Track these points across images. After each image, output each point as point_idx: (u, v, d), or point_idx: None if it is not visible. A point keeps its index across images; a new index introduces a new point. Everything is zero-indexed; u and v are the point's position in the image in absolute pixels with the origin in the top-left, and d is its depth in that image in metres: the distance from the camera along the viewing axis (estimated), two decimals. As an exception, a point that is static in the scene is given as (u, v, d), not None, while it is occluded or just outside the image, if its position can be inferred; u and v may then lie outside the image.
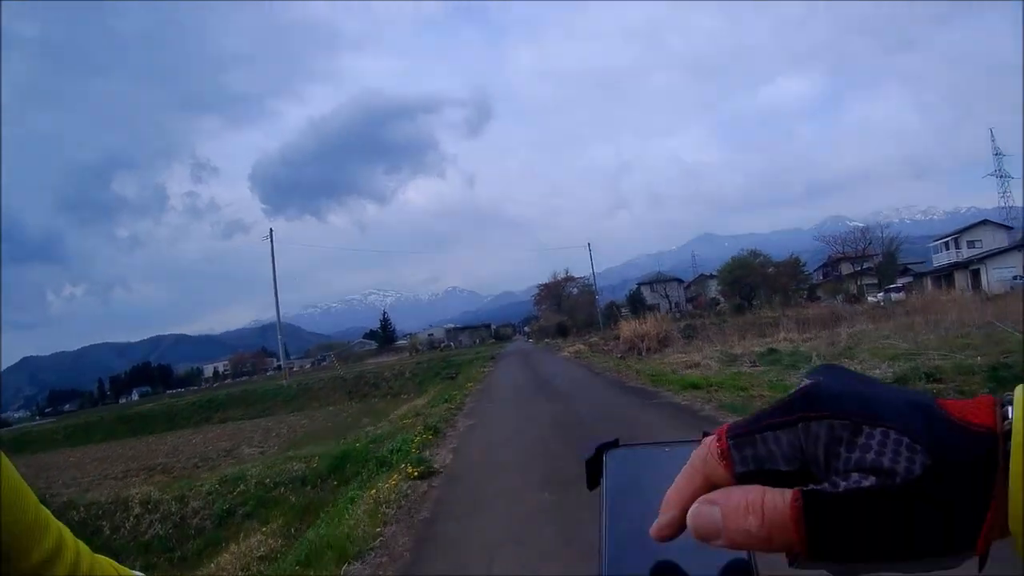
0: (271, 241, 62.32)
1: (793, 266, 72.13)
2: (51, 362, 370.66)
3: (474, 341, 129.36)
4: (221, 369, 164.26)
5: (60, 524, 0.81)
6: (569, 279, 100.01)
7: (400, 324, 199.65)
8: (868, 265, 69.59)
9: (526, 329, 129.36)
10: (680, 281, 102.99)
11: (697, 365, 21.20)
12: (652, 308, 73.35)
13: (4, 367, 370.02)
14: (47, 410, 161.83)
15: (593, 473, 0.59)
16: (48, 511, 0.79)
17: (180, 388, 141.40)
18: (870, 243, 69.51)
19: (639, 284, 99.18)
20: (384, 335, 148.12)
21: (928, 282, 62.39)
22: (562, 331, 78.73)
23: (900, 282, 64.46)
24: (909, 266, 71.87)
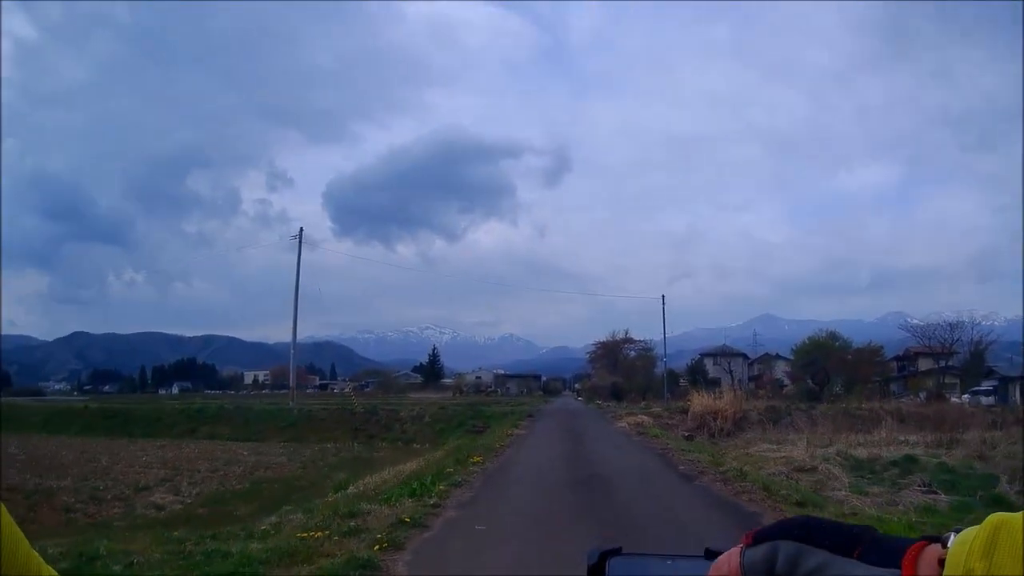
0: (299, 242, 57.51)
1: (873, 354, 66.56)
2: (102, 341, 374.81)
3: (521, 391, 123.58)
4: (261, 378, 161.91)
5: (51, 570, 0.81)
6: (628, 340, 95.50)
7: (452, 363, 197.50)
8: (951, 363, 63.80)
9: (576, 386, 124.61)
10: (745, 357, 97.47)
11: (812, 470, 16.38)
12: (713, 382, 68.77)
13: (55, 338, 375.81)
14: (86, 387, 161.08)
15: None
16: (39, 557, 0.79)
17: (219, 390, 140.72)
18: (958, 339, 63.56)
19: (702, 355, 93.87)
20: (431, 370, 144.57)
21: (1018, 388, 57.72)
22: (616, 393, 73.48)
23: (985, 384, 59.07)
24: (994, 368, 65.61)
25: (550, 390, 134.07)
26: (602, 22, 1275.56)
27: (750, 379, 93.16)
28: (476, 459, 17.29)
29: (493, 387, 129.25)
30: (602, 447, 22.91)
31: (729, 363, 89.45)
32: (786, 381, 79.45)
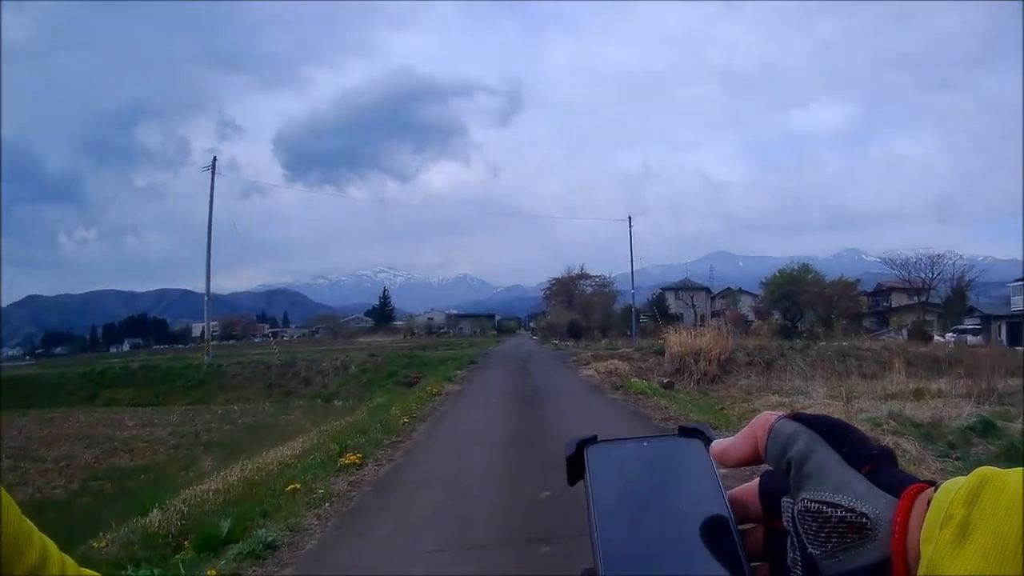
0: (212, 172, 49.87)
1: (849, 287, 62.30)
2: (56, 303, 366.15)
3: (475, 331, 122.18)
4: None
5: (44, 537, 0.78)
6: (584, 276, 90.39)
7: (407, 306, 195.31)
8: (933, 300, 60.03)
9: (531, 324, 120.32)
10: (708, 291, 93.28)
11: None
12: (675, 318, 64.37)
13: (6, 303, 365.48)
14: (38, 351, 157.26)
15: (574, 471, 0.64)
16: (31, 524, 0.76)
17: (168, 344, 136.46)
18: (939, 274, 59.43)
19: (663, 289, 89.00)
20: (382, 313, 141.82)
21: (1004, 326, 54.75)
22: (575, 331, 68.12)
23: (967, 322, 56.63)
24: (975, 306, 62.42)
25: (504, 329, 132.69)
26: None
27: (712, 314, 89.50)
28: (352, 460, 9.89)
29: (446, 328, 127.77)
30: (563, 401, 17.45)
31: (692, 297, 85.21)
32: (750, 317, 76.34)
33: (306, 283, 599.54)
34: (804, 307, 59.02)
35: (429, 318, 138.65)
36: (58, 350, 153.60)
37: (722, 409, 16.09)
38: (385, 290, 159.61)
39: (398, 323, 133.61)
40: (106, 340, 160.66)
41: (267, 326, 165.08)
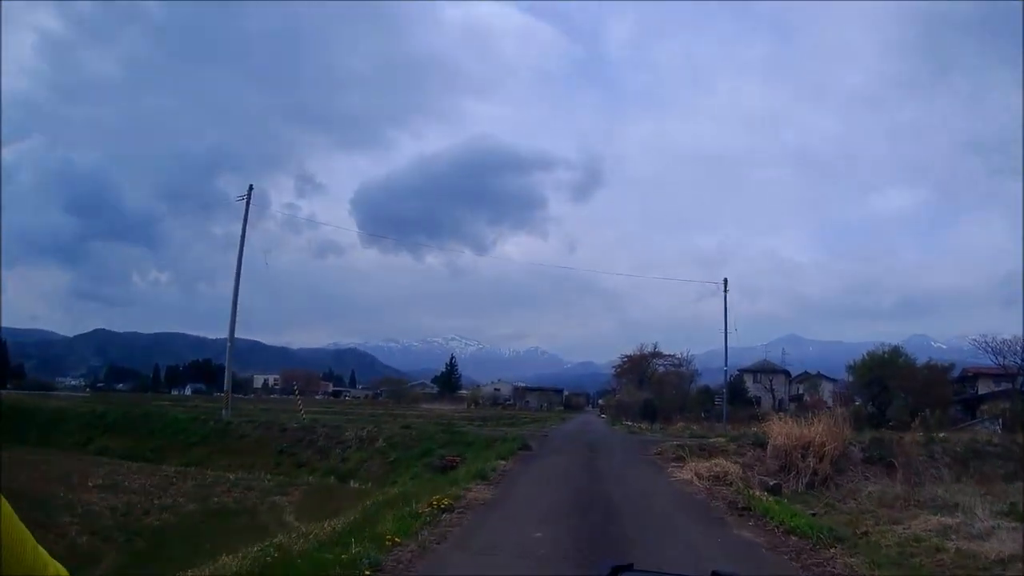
0: (247, 202, 46.11)
1: (945, 372, 57.63)
2: (125, 340, 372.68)
3: (542, 404, 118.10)
4: (271, 382, 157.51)
5: (58, 564, 0.78)
6: (657, 354, 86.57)
7: (476, 375, 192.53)
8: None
9: (600, 402, 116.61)
10: (787, 374, 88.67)
11: None
12: (750, 402, 60.78)
13: (75, 334, 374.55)
14: (99, 384, 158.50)
15: None
16: (46, 552, 0.76)
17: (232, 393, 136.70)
18: (1034, 357, 53.99)
19: (741, 370, 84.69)
20: (448, 381, 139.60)
21: None
22: (648, 412, 64.46)
23: None
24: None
25: (572, 405, 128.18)
26: (637, 35, 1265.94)
27: (790, 399, 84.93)
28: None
29: (511, 400, 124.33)
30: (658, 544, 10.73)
31: (771, 380, 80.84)
32: (830, 403, 71.81)
33: (377, 345, 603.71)
34: (894, 394, 54.56)
35: (496, 388, 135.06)
36: (120, 386, 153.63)
37: (864, 534, 12.16)
38: (452, 357, 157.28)
39: (463, 391, 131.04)
40: (168, 382, 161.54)
41: (331, 384, 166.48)
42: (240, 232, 44.87)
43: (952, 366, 61.54)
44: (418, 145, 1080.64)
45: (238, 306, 44.53)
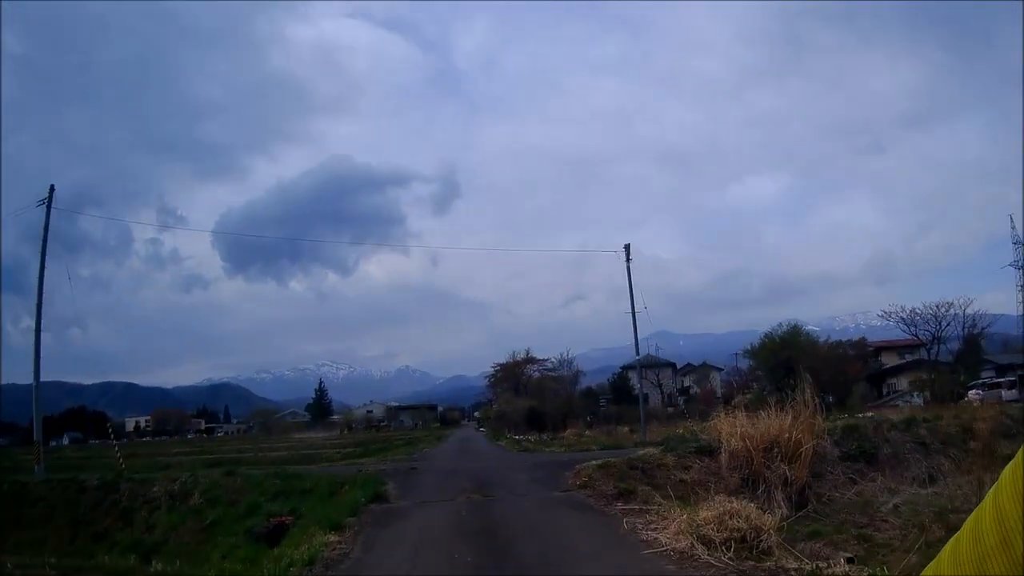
0: (48, 207, 35.21)
1: (860, 347, 54.70)
2: (3, 393, 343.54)
3: (416, 423, 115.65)
4: (143, 424, 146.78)
5: None
6: (531, 360, 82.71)
7: (349, 399, 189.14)
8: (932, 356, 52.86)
9: (476, 415, 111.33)
10: (674, 367, 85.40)
11: None
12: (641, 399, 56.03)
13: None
14: None
15: None
16: None
17: (103, 440, 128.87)
18: (948, 325, 51.80)
19: (623, 368, 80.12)
20: (319, 408, 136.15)
21: None
22: (534, 421, 58.04)
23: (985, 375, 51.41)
24: (988, 357, 57.13)
25: (448, 420, 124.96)
26: (488, 42, 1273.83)
27: (679, 392, 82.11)
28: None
29: (385, 421, 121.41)
30: None
31: (658, 375, 76.70)
32: (719, 393, 71.31)
33: (249, 377, 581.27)
34: (801, 375, 50.71)
35: (368, 411, 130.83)
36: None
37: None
38: (321, 383, 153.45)
39: (336, 417, 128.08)
40: (46, 432, 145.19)
41: (203, 421, 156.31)
42: (41, 249, 35.34)
43: (864, 339, 59.38)
44: (276, 169, 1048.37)
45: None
